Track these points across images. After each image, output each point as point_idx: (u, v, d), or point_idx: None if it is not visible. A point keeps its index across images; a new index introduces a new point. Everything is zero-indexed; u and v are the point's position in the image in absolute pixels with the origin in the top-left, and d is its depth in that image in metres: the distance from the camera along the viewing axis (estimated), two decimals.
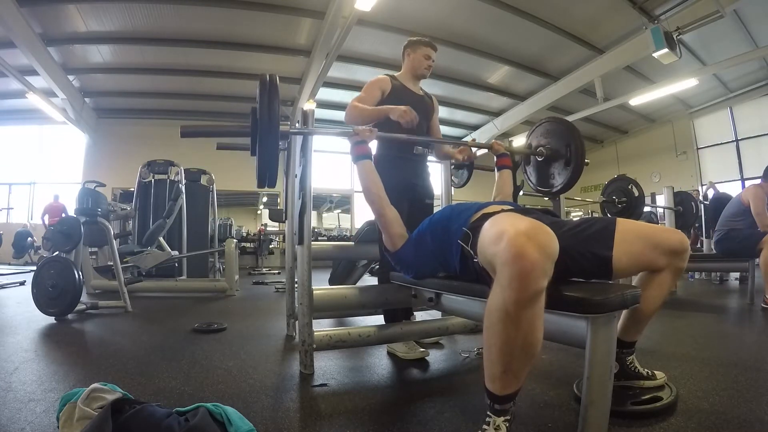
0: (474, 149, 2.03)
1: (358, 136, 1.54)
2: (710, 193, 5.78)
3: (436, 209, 1.78)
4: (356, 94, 1.92)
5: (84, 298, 2.97)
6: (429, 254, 1.31)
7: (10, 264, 7.46)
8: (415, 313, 2.09)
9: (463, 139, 10.23)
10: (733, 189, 8.48)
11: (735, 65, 6.42)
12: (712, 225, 4.28)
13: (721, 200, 4.16)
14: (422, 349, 1.80)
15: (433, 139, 2.10)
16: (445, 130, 10.59)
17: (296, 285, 1.93)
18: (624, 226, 1.12)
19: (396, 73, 2.04)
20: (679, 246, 1.11)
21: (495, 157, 1.89)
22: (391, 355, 1.85)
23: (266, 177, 1.46)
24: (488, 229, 0.95)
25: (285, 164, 2.28)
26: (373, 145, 1.95)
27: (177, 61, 6.97)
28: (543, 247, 0.81)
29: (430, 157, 2.09)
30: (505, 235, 0.83)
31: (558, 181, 1.90)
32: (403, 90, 1.97)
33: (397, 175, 1.85)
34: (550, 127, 1.94)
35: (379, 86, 1.92)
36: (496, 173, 1.87)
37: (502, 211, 1.16)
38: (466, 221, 1.15)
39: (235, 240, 4.61)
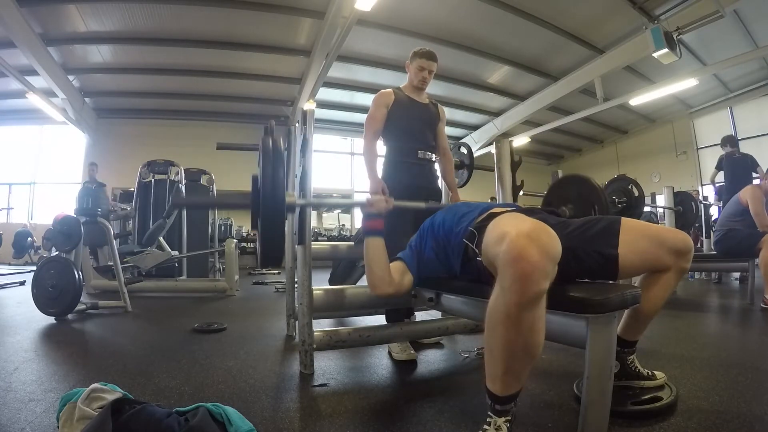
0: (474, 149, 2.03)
1: (373, 208, 1.33)
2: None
3: None
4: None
5: (84, 298, 2.97)
6: (432, 258, 1.30)
7: (10, 264, 7.46)
8: (415, 312, 2.09)
9: (462, 140, 10.21)
10: None
11: (735, 65, 6.42)
12: None
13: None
14: (412, 351, 1.80)
15: (440, 203, 2.05)
16: (445, 130, 10.57)
17: (296, 285, 1.93)
18: (629, 224, 1.12)
19: (402, 84, 2.09)
20: (683, 246, 1.11)
21: None
22: (389, 354, 1.86)
23: (271, 258, 1.27)
24: (492, 229, 0.95)
25: (285, 164, 2.28)
26: (379, 147, 1.98)
27: (177, 61, 6.97)
28: (544, 248, 0.80)
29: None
30: (506, 237, 0.83)
31: None
32: (407, 100, 2.01)
33: (402, 178, 1.90)
34: (572, 186, 1.88)
35: (383, 102, 1.96)
36: None
37: (508, 212, 1.16)
38: (472, 221, 1.15)
39: (235, 240, 4.60)
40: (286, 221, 2.21)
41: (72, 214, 3.34)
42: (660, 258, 1.10)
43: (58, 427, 0.94)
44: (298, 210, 1.58)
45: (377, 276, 1.28)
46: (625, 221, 1.13)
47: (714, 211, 5.97)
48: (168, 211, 4.43)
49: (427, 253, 1.31)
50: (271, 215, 1.20)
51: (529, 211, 1.23)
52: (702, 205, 5.35)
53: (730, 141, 5.09)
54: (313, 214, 3.72)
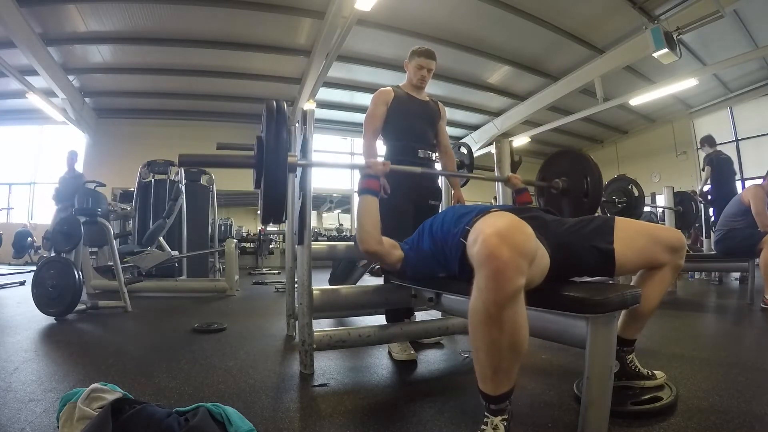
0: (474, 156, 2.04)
1: (370, 170, 1.45)
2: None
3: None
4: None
5: (84, 298, 2.97)
6: (429, 256, 1.30)
7: (10, 264, 7.46)
8: (415, 312, 2.09)
9: (462, 140, 10.20)
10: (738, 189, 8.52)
11: (735, 65, 6.42)
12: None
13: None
14: (412, 352, 1.80)
15: (446, 172, 2.12)
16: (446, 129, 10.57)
17: (296, 285, 1.93)
18: (623, 223, 1.15)
19: (402, 83, 2.09)
20: (677, 243, 1.13)
21: (513, 193, 1.87)
22: (389, 354, 1.85)
23: (273, 213, 1.34)
24: (473, 229, 0.95)
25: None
26: (380, 149, 1.98)
27: (177, 61, 6.97)
28: (516, 246, 0.80)
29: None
30: (480, 236, 0.83)
31: (575, 213, 1.84)
32: (406, 97, 2.01)
33: (402, 178, 1.86)
34: (565, 160, 1.91)
35: (382, 100, 1.97)
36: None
37: (497, 211, 1.16)
38: (469, 221, 1.16)
39: (235, 240, 4.60)
40: (286, 222, 2.23)
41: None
42: (656, 255, 1.12)
43: (58, 427, 0.94)
44: (299, 171, 1.63)
45: (367, 232, 1.36)
46: (619, 220, 1.15)
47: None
48: (169, 208, 4.43)
49: (423, 246, 1.33)
50: (274, 173, 1.26)
51: (524, 210, 1.23)
52: (702, 205, 5.35)
53: (712, 141, 5.09)
54: (313, 214, 3.72)
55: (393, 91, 2.00)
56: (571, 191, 1.86)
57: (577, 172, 1.83)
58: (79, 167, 5.78)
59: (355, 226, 1.38)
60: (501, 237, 0.80)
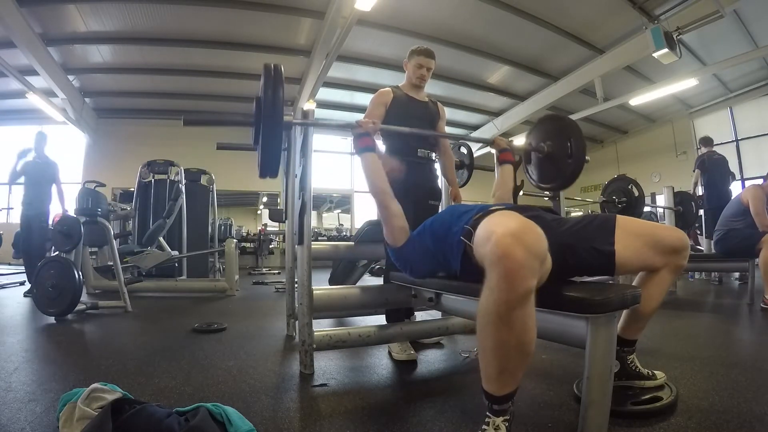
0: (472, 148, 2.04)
1: (360, 128, 1.54)
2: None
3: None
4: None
5: (84, 298, 2.97)
6: (429, 255, 1.30)
7: (10, 264, 7.46)
8: (415, 313, 2.09)
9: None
10: (732, 189, 8.51)
11: (735, 65, 6.42)
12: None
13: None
14: (412, 352, 1.79)
15: (434, 132, 2.10)
16: (445, 129, 10.56)
17: (296, 285, 1.93)
18: (624, 222, 1.13)
19: (401, 83, 2.09)
20: (679, 244, 1.11)
21: (496, 152, 1.89)
22: (389, 354, 1.85)
23: (269, 167, 1.46)
24: (480, 228, 0.95)
25: (285, 164, 2.28)
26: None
27: (177, 61, 6.97)
28: (529, 246, 0.80)
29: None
30: (492, 236, 0.83)
31: (560, 175, 1.89)
32: (405, 98, 2.01)
33: (400, 176, 1.86)
34: (550, 124, 1.94)
35: (381, 101, 1.97)
36: (497, 169, 1.87)
37: (500, 210, 1.16)
38: (469, 220, 1.16)
39: (235, 240, 4.60)
40: (286, 222, 2.22)
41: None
42: (656, 256, 1.11)
43: (58, 427, 0.94)
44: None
45: (378, 186, 1.46)
46: (621, 218, 1.14)
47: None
48: (169, 208, 4.43)
49: (425, 241, 1.33)
50: (272, 131, 1.40)
51: (524, 209, 1.23)
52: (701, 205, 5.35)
53: (707, 141, 5.10)
54: (313, 214, 3.71)
55: (392, 92, 2.00)
56: (556, 154, 1.89)
57: (561, 136, 1.86)
58: (56, 158, 4.95)
59: (368, 188, 1.49)
60: (514, 237, 0.80)
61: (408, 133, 1.84)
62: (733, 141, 8.68)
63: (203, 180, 5.83)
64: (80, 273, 2.78)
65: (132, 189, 5.39)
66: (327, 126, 1.96)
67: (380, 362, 1.76)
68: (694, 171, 5.20)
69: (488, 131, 9.77)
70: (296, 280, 1.93)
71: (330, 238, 8.59)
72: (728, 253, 3.18)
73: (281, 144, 1.48)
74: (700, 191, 5.09)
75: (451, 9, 5.70)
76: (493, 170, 2.21)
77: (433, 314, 2.16)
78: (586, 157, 1.82)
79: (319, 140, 9.75)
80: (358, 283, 3.08)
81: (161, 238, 4.47)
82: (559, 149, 1.86)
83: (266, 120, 1.39)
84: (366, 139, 1.54)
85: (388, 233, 1.46)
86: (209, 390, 1.39)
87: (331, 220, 12.09)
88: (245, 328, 2.45)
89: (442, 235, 1.24)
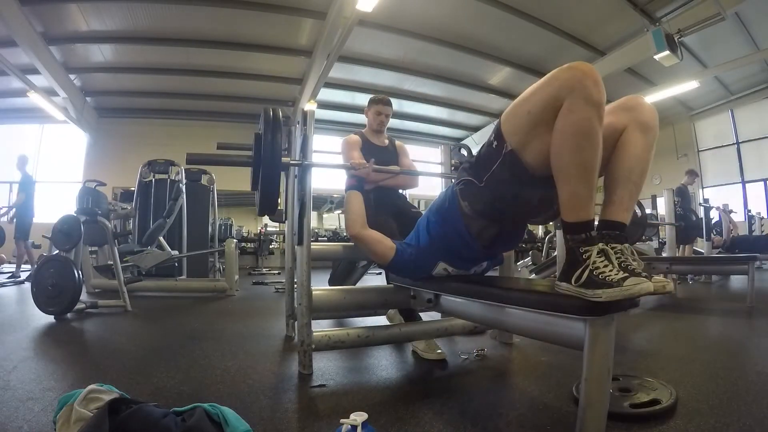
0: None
1: (356, 170, 1.68)
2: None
3: None
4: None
5: (84, 297, 2.97)
6: (426, 248, 1.36)
7: (10, 263, 7.46)
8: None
9: (463, 141, 10.20)
10: (733, 192, 8.51)
11: (736, 67, 6.43)
12: None
13: None
14: (440, 350, 1.79)
15: (423, 172, 2.30)
16: (445, 131, 10.57)
17: (296, 285, 1.92)
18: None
19: (365, 129, 2.32)
20: (632, 101, 1.07)
21: None
22: (414, 353, 1.86)
23: (267, 207, 1.55)
24: (527, 90, 1.05)
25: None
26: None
27: (178, 61, 6.98)
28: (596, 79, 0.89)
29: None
30: (560, 70, 0.91)
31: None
32: (368, 144, 2.21)
33: (375, 194, 2.03)
34: None
35: (354, 145, 2.15)
36: None
37: None
38: (457, 183, 1.26)
39: (235, 240, 4.61)
40: (286, 222, 2.23)
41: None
42: (611, 114, 1.02)
43: (55, 429, 0.94)
44: (291, 170, 1.88)
45: (352, 219, 1.58)
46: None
47: (714, 214, 5.96)
48: (169, 208, 4.43)
49: (422, 241, 1.39)
50: (270, 171, 1.48)
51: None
52: (702, 207, 5.35)
53: (694, 174, 5.53)
54: (314, 214, 3.72)
55: (360, 138, 2.20)
56: None
57: None
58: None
59: (345, 219, 1.63)
60: (579, 64, 0.90)
61: (399, 172, 1.96)
62: (734, 143, 8.67)
63: (204, 180, 5.83)
64: (80, 272, 2.78)
65: (132, 188, 5.39)
66: (322, 165, 1.95)
67: (379, 363, 1.76)
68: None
69: (489, 132, 9.74)
70: (296, 280, 1.93)
71: (330, 239, 8.59)
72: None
73: (279, 186, 1.57)
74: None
75: (452, 10, 5.70)
76: None
77: (433, 314, 2.15)
78: None
79: (319, 141, 9.75)
80: (358, 284, 3.07)
81: (161, 238, 4.47)
82: None
83: (265, 163, 1.47)
84: (358, 181, 1.67)
85: (376, 258, 1.54)
86: (207, 390, 1.39)
87: (331, 220, 12.08)
88: (244, 329, 2.45)
89: (449, 205, 1.27)
